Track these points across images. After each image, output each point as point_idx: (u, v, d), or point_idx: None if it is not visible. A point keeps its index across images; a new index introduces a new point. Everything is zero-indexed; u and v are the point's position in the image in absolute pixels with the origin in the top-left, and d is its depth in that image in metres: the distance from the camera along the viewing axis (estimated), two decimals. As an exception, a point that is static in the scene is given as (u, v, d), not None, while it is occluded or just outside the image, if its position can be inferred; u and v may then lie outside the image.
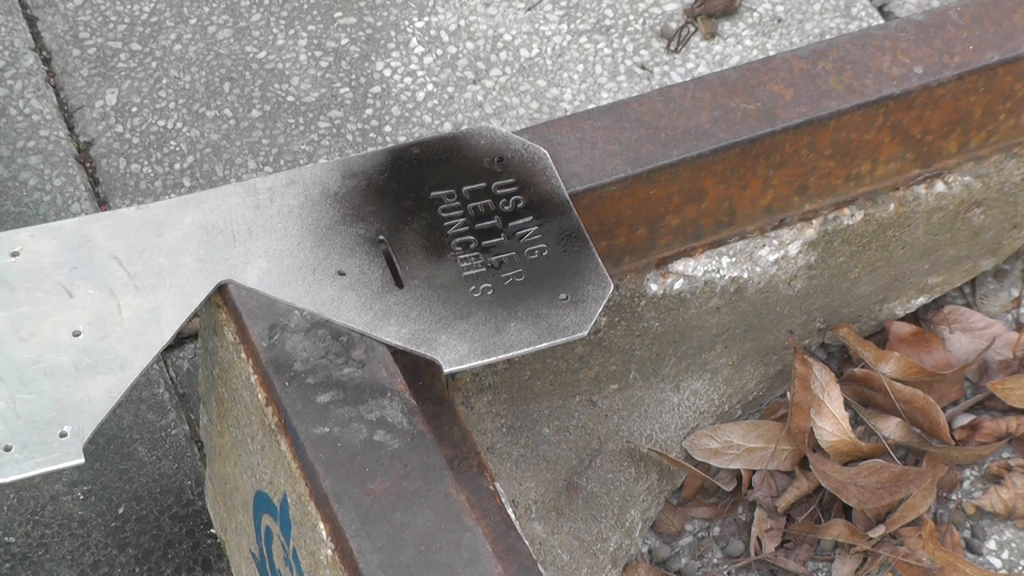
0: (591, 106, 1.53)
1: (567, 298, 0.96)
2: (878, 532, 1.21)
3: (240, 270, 0.96)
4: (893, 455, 1.26)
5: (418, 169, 1.02)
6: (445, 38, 1.58)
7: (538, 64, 1.57)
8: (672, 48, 1.59)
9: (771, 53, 1.52)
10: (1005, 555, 1.26)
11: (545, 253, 0.98)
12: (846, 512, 1.24)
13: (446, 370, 0.92)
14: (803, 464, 1.25)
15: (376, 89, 1.53)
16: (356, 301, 0.95)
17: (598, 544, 1.19)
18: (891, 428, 1.27)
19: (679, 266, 1.14)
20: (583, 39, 1.59)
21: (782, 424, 1.26)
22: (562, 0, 1.62)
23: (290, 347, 0.95)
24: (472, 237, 0.99)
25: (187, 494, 1.25)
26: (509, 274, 0.97)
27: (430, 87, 1.54)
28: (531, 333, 0.95)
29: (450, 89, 1.54)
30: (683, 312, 1.16)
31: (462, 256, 0.98)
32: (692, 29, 1.60)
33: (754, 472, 1.26)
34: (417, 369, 1.01)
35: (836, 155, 1.13)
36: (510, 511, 0.98)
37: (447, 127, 1.51)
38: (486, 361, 0.94)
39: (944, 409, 1.28)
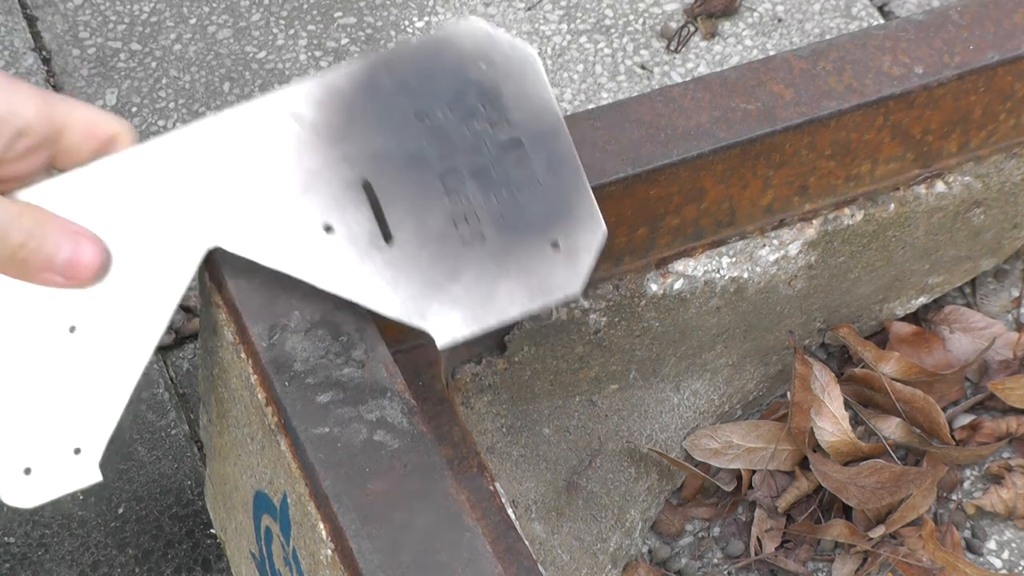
0: (591, 106, 1.53)
1: (559, 244, 0.90)
2: (878, 532, 1.21)
3: (224, 234, 0.89)
4: (893, 455, 1.26)
5: (400, 86, 0.92)
6: (445, 38, 1.58)
7: (538, 64, 1.57)
8: (672, 48, 1.59)
9: (771, 53, 1.52)
10: (1005, 555, 1.26)
11: (536, 184, 0.91)
12: (846, 512, 1.24)
13: (440, 344, 0.89)
14: (803, 464, 1.25)
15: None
16: (344, 262, 0.89)
17: (598, 544, 1.19)
18: (891, 428, 1.27)
19: (679, 266, 1.14)
20: (583, 39, 1.59)
21: (782, 424, 1.26)
22: (562, 0, 1.62)
23: (290, 347, 0.95)
24: (459, 167, 0.91)
25: (187, 494, 1.25)
26: (499, 213, 0.90)
27: (430, 87, 1.54)
28: (522, 293, 0.90)
29: (450, 89, 1.54)
30: (683, 312, 1.16)
31: (449, 192, 0.90)
32: (692, 29, 1.60)
33: (754, 472, 1.26)
34: (417, 369, 1.01)
35: (836, 155, 1.13)
36: (510, 511, 0.98)
37: (447, 127, 1.51)
38: (479, 330, 0.89)
39: (944, 409, 1.28)
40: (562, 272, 0.91)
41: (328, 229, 0.89)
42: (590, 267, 0.91)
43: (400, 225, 0.90)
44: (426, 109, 0.91)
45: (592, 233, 0.91)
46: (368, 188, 0.90)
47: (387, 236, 0.90)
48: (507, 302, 0.90)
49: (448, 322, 0.89)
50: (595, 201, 0.91)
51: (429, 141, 0.91)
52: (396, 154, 0.91)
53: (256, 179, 0.90)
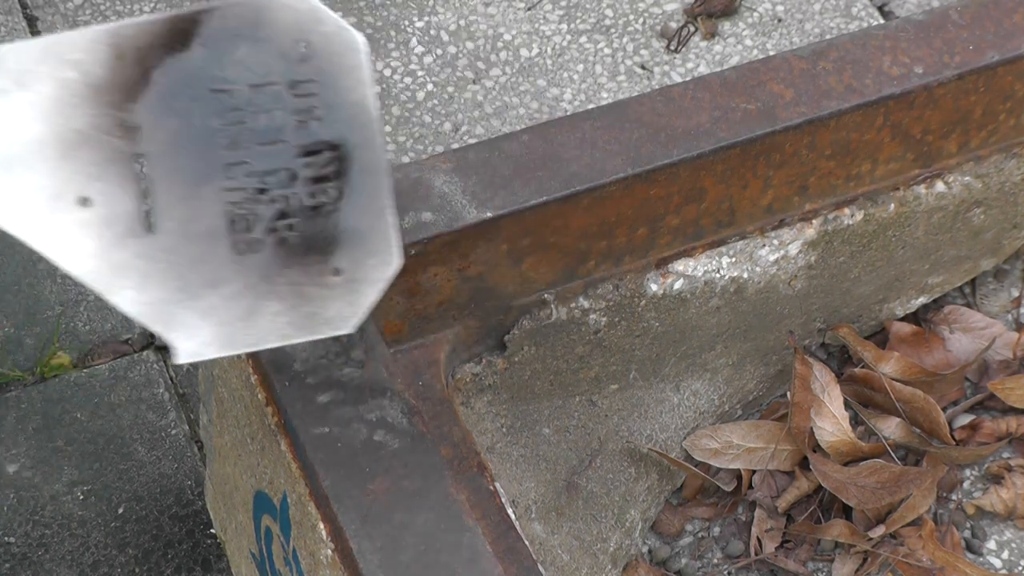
0: (591, 106, 1.53)
1: (341, 272, 0.79)
2: (878, 532, 1.21)
3: None
4: (893, 455, 1.26)
5: (204, 51, 0.78)
6: (445, 38, 1.58)
7: (538, 64, 1.57)
8: (672, 48, 1.59)
9: (771, 53, 1.52)
10: (1005, 555, 1.26)
11: (333, 197, 0.79)
12: (846, 512, 1.24)
13: (180, 362, 0.79)
14: (803, 464, 1.25)
15: (376, 89, 1.53)
16: (92, 244, 0.77)
17: (598, 544, 1.18)
18: (891, 428, 1.27)
19: (679, 266, 1.14)
20: (583, 39, 1.59)
21: (782, 424, 1.26)
22: (562, 0, 1.62)
23: (290, 347, 0.95)
24: (250, 159, 0.78)
25: (187, 494, 1.25)
26: (283, 223, 0.79)
27: (430, 87, 1.54)
28: (287, 321, 0.79)
29: (450, 89, 1.54)
30: (683, 312, 1.16)
31: (232, 187, 0.78)
32: (692, 29, 1.60)
33: (754, 472, 1.26)
34: (417, 369, 1.01)
35: (836, 155, 1.13)
36: (510, 511, 0.98)
37: (447, 127, 1.51)
38: (226, 354, 0.80)
39: (944, 409, 1.28)
40: (339, 304, 0.80)
41: (84, 202, 0.77)
42: (372, 303, 0.80)
43: (167, 212, 0.78)
44: (227, 84, 0.78)
45: (384, 265, 0.80)
46: (141, 163, 0.78)
47: (149, 223, 0.78)
48: (268, 327, 0.79)
49: (194, 337, 0.79)
50: (396, 228, 0.80)
51: (223, 122, 0.78)
52: (182, 130, 0.78)
53: (11, 130, 0.77)
